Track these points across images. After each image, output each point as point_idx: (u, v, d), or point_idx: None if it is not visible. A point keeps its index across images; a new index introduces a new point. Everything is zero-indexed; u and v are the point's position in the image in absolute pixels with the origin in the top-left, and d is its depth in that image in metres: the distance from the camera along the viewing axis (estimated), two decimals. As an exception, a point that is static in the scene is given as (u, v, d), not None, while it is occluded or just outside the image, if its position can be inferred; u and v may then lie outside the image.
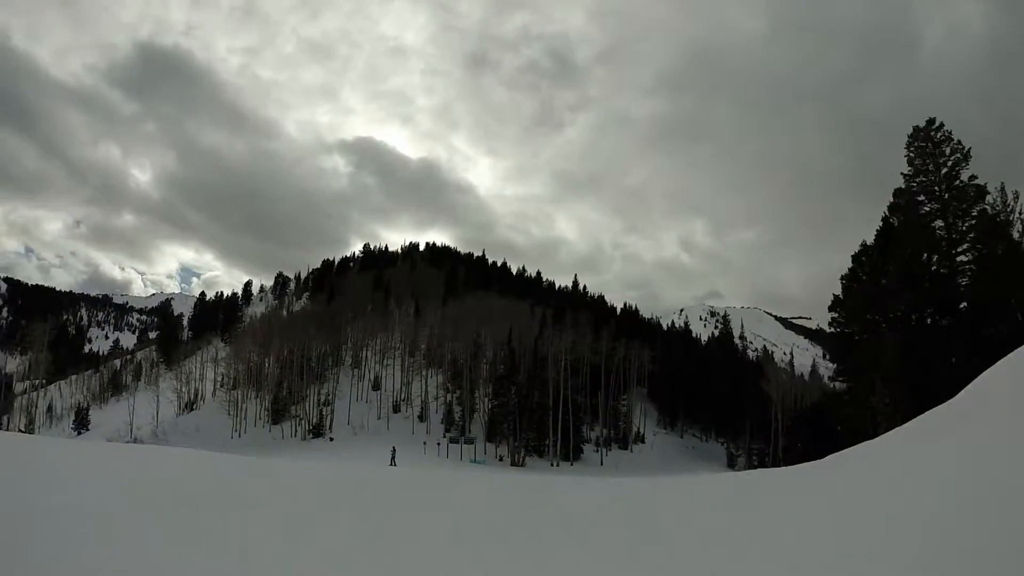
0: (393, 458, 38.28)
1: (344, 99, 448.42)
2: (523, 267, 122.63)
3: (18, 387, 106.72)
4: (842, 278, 33.45)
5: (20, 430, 52.45)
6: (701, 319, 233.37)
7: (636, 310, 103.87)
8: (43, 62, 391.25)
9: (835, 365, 40.60)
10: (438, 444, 53.46)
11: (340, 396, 64.85)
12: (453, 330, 69.55)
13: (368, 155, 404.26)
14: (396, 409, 65.22)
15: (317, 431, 59.64)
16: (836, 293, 33.55)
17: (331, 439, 57.22)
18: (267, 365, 70.68)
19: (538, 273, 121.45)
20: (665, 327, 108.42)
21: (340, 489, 11.76)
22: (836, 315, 33.61)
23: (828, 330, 39.24)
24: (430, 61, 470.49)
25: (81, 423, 73.85)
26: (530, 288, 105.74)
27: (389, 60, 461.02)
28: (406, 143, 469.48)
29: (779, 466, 37.84)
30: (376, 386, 70.42)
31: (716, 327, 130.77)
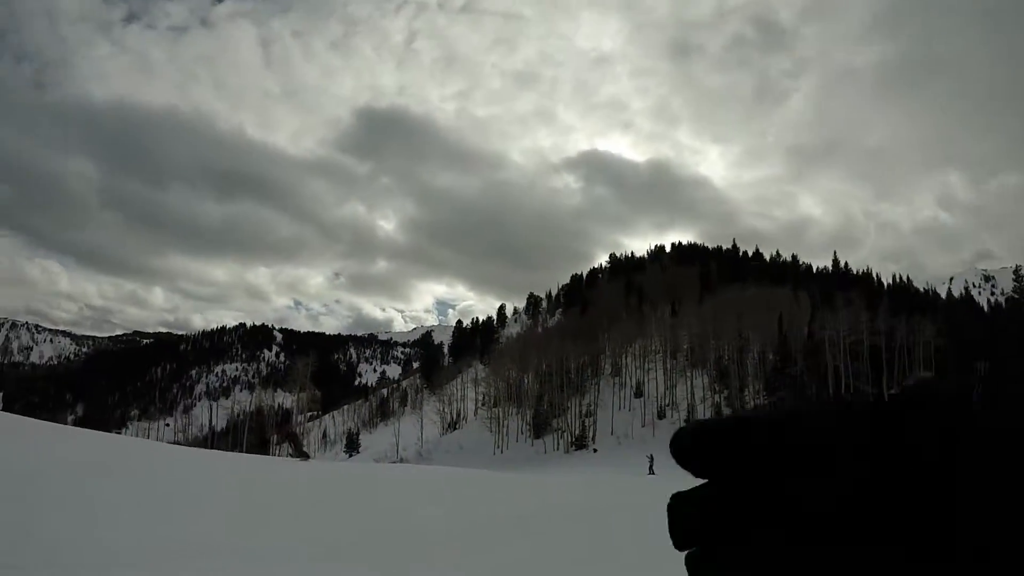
0: (651, 466, 35.76)
1: (561, 119, 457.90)
2: (776, 252, 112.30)
3: (298, 419, 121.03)
4: None
5: (290, 455, 57.27)
6: (975, 286, 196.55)
7: (908, 282, 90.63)
8: (280, 146, 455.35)
9: None
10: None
11: (602, 406, 62.71)
12: (714, 327, 64.03)
13: (595, 167, 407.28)
14: (661, 415, 60.84)
15: (580, 442, 57.50)
16: None
17: (594, 450, 54.65)
18: (526, 381, 70.37)
19: (794, 257, 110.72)
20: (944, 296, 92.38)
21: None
22: None
23: None
24: (634, 62, 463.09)
25: (351, 446, 78.84)
26: (786, 273, 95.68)
27: (594, 71, 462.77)
28: (630, 148, 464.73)
29: None
30: (638, 393, 66.83)
31: (992, 293, 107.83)
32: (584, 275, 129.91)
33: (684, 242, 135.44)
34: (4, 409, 40.87)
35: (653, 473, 32.45)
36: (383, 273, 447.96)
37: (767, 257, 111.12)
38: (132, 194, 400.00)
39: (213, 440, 72.01)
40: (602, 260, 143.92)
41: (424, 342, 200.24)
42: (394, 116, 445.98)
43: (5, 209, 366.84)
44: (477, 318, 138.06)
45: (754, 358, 60.28)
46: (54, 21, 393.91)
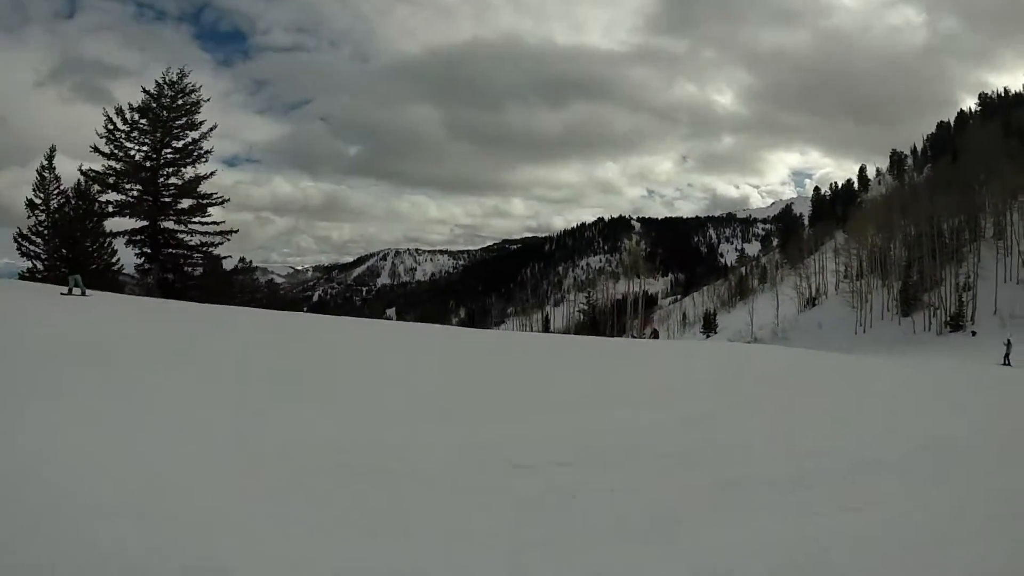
0: (1008, 354, 29.25)
1: None
2: None
3: (664, 303, 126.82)
4: None
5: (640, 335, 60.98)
6: None
7: None
8: (593, 44, 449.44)
9: None
10: None
11: (983, 277, 53.29)
12: None
13: None
14: None
15: (956, 322, 50.50)
16: None
17: (973, 332, 47.37)
18: (893, 249, 63.52)
19: None
20: None
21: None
22: None
23: None
24: None
25: (708, 327, 79.69)
26: None
27: None
28: None
29: None
30: None
31: None
32: (952, 121, 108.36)
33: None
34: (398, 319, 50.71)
35: (1008, 363, 27.89)
36: (730, 149, 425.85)
37: None
38: (474, 123, 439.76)
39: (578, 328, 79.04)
40: (970, 103, 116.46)
41: (784, 216, 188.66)
42: None
43: (371, 162, 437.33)
44: (836, 183, 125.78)
45: None
46: (353, 4, 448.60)
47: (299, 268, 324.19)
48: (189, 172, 31.05)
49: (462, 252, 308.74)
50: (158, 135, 30.36)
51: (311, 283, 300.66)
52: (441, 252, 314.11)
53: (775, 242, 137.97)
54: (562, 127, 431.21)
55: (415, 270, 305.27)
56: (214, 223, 31.52)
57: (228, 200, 32.25)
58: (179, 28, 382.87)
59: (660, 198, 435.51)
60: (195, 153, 31.10)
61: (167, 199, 30.71)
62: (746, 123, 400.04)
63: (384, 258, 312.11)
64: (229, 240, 32.07)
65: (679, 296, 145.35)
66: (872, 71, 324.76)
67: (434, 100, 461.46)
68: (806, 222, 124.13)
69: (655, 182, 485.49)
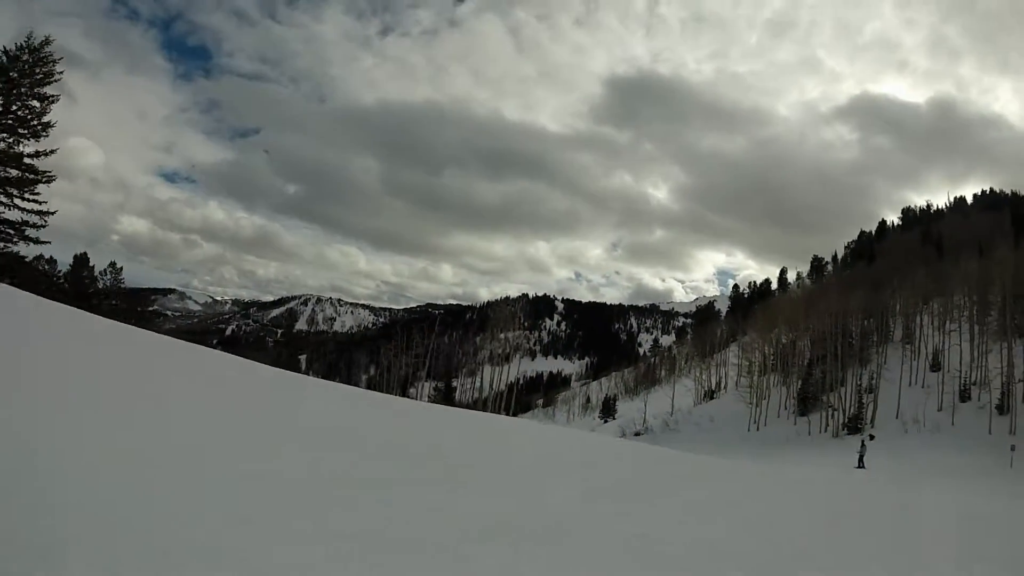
0: (862, 457, 28.57)
1: (826, 65, 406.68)
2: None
3: (575, 385, 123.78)
4: None
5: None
6: None
7: None
8: (541, 124, 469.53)
9: None
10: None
11: (888, 380, 50.39)
12: (1039, 283, 47.77)
13: (869, 115, 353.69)
14: (964, 396, 47.37)
15: (853, 425, 47.71)
16: None
17: (870, 437, 44.67)
18: (796, 348, 60.71)
19: None
20: None
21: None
22: None
23: None
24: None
25: (607, 412, 77.71)
26: None
27: (855, 9, 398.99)
28: (906, 90, 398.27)
29: None
30: (935, 365, 52.82)
31: None
32: (873, 231, 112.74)
33: (987, 189, 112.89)
34: (305, 371, 47.69)
35: (862, 466, 25.38)
36: (660, 242, 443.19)
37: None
38: (412, 182, 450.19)
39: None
40: (893, 217, 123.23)
41: (705, 312, 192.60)
42: (648, 83, 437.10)
43: (307, 204, 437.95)
44: (755, 282, 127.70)
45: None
46: (319, 46, 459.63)
47: (218, 299, 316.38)
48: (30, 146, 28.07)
49: (384, 309, 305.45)
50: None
51: (227, 316, 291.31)
52: (363, 306, 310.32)
53: (689, 335, 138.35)
54: (499, 199, 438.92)
55: (334, 320, 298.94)
56: (36, 201, 28.19)
57: (55, 178, 28.83)
58: (147, 32, 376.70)
59: (587, 282, 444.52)
60: (34, 123, 27.91)
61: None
62: (677, 218, 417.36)
63: (305, 303, 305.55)
64: (46, 225, 28.51)
65: (589, 380, 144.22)
66: (802, 181, 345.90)
67: (377, 153, 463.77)
68: (723, 318, 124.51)
69: (584, 266, 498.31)
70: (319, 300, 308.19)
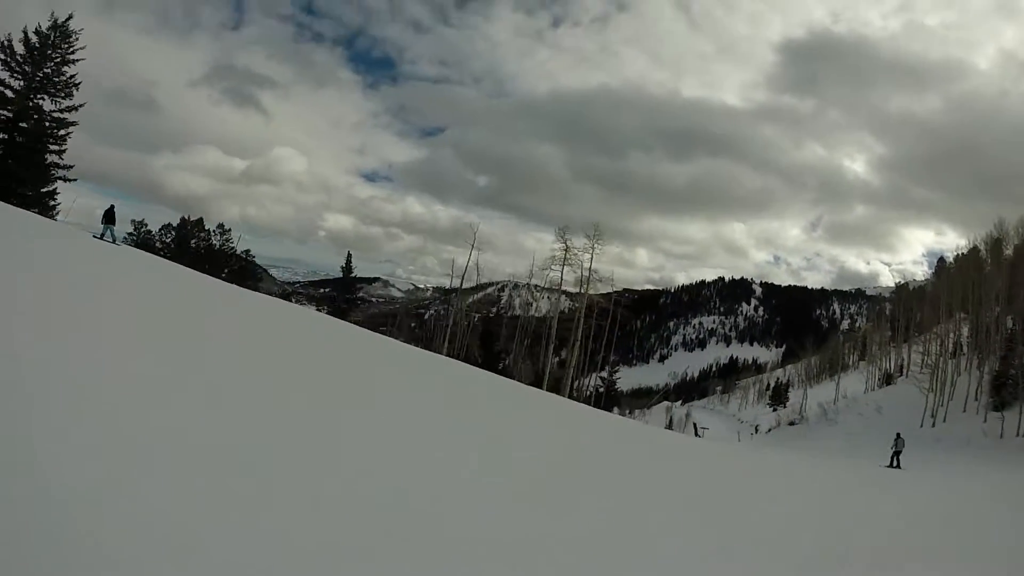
0: (897, 454, 23.05)
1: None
2: None
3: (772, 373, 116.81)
4: None
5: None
6: None
7: None
8: (717, 99, 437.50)
9: None
10: None
11: None
12: None
13: None
14: None
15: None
16: None
17: None
18: (1000, 325, 47.73)
19: None
20: None
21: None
22: None
23: None
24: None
25: (776, 400, 75.32)
26: None
27: None
28: None
29: None
30: None
31: None
32: None
33: None
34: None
35: (897, 465, 22.13)
36: (862, 220, 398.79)
37: None
38: (598, 167, 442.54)
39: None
40: None
41: (904, 290, 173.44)
42: (825, 43, 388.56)
43: (499, 195, 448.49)
44: (961, 253, 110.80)
45: None
46: (492, 45, 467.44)
47: (420, 286, 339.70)
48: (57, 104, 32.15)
49: (582, 295, 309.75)
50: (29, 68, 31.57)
51: (427, 302, 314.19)
52: (562, 291, 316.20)
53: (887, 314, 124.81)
54: (686, 180, 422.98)
55: (531, 305, 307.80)
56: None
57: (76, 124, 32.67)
58: (333, 50, 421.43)
59: (787, 265, 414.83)
60: (60, 82, 31.95)
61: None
62: (877, 194, 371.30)
63: (502, 289, 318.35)
64: (75, 127, 32.60)
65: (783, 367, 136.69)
66: (1008, 140, 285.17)
67: (561, 141, 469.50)
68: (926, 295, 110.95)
69: (782, 248, 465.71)
70: (516, 286, 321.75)
